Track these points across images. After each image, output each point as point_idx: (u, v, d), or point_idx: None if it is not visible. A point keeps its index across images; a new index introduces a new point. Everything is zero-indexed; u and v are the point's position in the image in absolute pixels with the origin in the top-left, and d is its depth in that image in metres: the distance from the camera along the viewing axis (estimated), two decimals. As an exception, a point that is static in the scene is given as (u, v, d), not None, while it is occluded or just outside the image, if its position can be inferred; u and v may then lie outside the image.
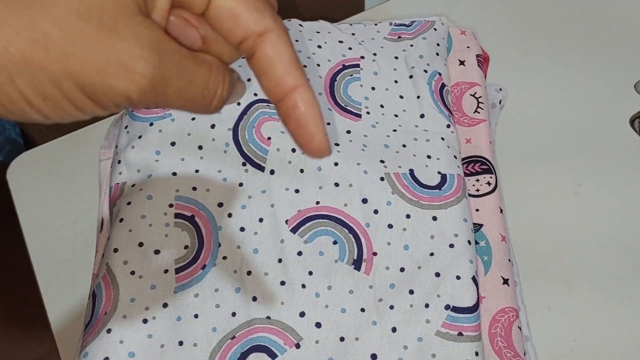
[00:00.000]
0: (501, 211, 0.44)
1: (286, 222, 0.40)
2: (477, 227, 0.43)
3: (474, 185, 0.45)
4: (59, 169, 0.52)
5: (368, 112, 0.45)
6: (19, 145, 0.99)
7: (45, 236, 0.48)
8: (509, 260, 0.42)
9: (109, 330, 0.36)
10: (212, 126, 0.42)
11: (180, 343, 0.36)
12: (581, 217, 0.49)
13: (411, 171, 0.42)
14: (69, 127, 0.56)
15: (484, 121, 0.47)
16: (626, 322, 0.44)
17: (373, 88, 0.46)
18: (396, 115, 0.45)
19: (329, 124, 0.44)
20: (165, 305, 0.37)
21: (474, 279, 0.38)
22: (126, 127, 0.44)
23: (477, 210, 0.43)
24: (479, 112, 0.48)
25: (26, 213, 0.50)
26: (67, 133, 0.55)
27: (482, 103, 0.48)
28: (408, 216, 0.40)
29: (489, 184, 0.45)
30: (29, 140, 0.99)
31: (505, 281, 0.41)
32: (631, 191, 0.50)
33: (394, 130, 0.44)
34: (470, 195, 0.44)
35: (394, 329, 0.37)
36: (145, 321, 0.37)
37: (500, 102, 0.52)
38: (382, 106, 0.45)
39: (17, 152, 0.77)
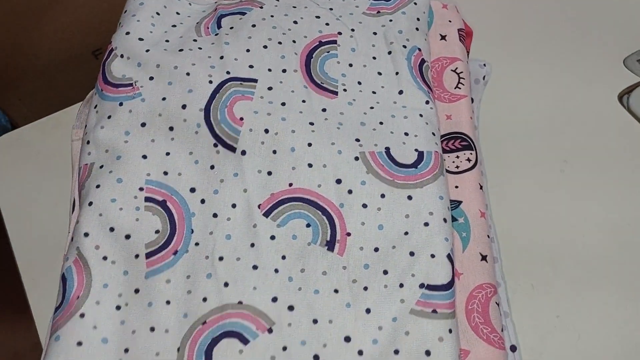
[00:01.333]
0: (481, 187, 0.43)
1: (259, 206, 0.39)
2: (457, 203, 0.42)
3: (453, 162, 0.44)
4: (39, 151, 0.52)
5: (345, 90, 0.44)
6: (8, 131, 0.98)
7: (26, 219, 0.48)
8: (489, 236, 0.41)
9: (82, 315, 0.36)
10: (184, 106, 0.41)
11: (152, 329, 0.36)
12: (567, 194, 0.48)
13: (387, 149, 0.41)
14: (50, 110, 0.55)
15: (465, 97, 0.46)
16: (610, 299, 0.44)
17: (350, 65, 0.45)
18: (374, 92, 0.44)
19: (304, 101, 0.43)
20: (136, 290, 0.37)
21: (449, 257, 0.38)
22: (95, 107, 0.43)
23: (456, 187, 0.43)
24: (459, 88, 0.47)
25: (5, 196, 0.49)
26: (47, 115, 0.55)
27: (464, 79, 0.47)
28: (383, 196, 0.40)
29: (469, 160, 0.44)
30: (16, 127, 0.99)
31: (484, 257, 0.40)
32: (619, 168, 0.49)
33: (371, 108, 0.43)
34: (449, 172, 0.43)
35: (368, 310, 0.37)
36: (118, 308, 0.37)
37: (484, 77, 0.51)
38: (359, 83, 0.44)
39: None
